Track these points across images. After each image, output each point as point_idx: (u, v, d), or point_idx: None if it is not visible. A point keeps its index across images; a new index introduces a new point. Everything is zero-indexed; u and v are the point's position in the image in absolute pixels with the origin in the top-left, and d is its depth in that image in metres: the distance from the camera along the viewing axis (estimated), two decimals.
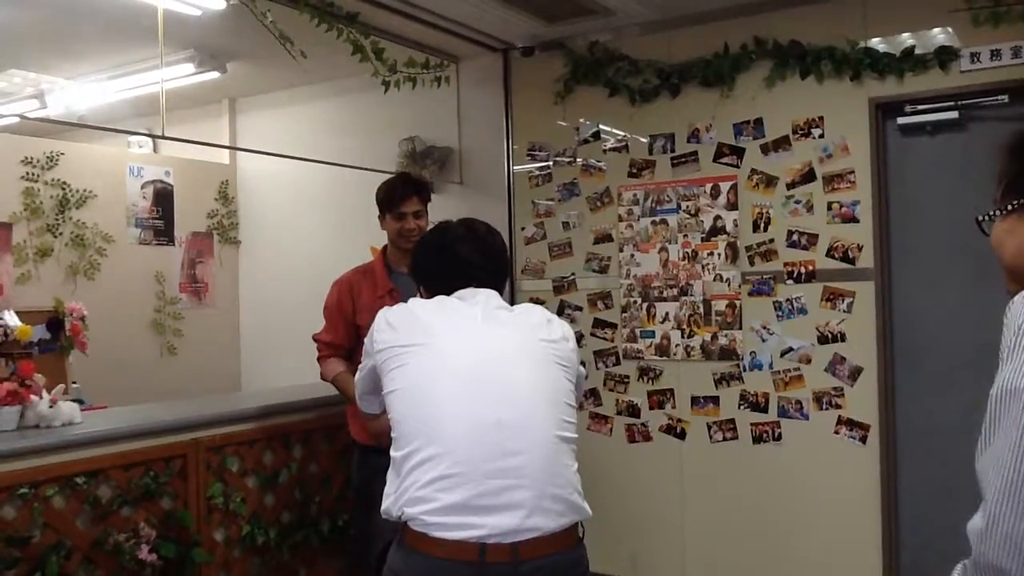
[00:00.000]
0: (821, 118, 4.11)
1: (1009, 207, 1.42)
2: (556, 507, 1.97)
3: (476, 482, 1.91)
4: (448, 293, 2.27)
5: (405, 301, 3.59)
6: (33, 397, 3.02)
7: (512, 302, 4.86)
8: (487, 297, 2.26)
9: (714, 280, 4.36)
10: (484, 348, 2.12)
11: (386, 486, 2.09)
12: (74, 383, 4.04)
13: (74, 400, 3.32)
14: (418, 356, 2.10)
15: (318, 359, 3.55)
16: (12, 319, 3.27)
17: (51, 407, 3.03)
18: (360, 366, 2.39)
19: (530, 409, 2.03)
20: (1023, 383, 1.15)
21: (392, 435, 2.11)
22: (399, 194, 3.53)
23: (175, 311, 5.78)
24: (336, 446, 3.78)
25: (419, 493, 1.94)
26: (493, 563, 1.89)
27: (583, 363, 4.43)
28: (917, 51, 3.89)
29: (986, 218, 1.47)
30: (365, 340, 2.34)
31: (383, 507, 2.07)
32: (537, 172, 4.90)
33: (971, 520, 1.23)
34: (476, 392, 2.02)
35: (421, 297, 2.38)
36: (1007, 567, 1.15)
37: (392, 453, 2.09)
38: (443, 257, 2.34)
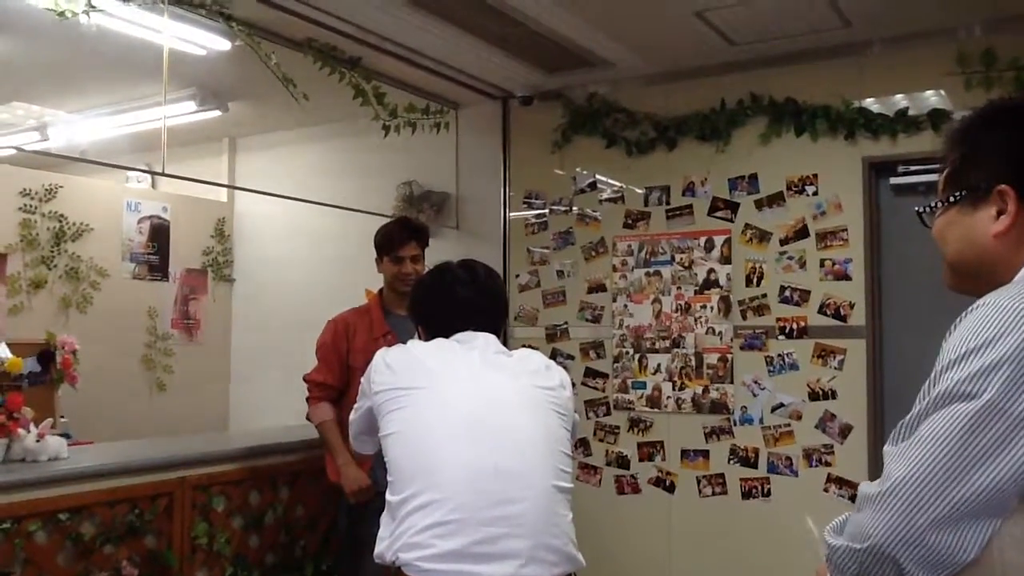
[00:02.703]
0: (815, 175, 4.16)
1: (951, 199, 1.41)
2: (551, 557, 1.97)
3: (473, 529, 1.91)
4: (447, 335, 2.28)
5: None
6: (20, 431, 3.00)
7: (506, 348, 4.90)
8: (485, 342, 2.26)
9: (706, 333, 4.37)
10: (483, 394, 2.12)
11: (380, 529, 2.07)
12: (62, 417, 4.02)
13: (61, 435, 3.30)
14: (417, 400, 2.10)
15: (307, 400, 3.54)
16: (3, 351, 3.26)
17: (38, 441, 3.01)
18: (356, 406, 2.39)
19: (528, 458, 2.03)
20: (971, 388, 1.16)
21: (388, 478, 2.10)
22: (397, 239, 3.55)
23: (166, 347, 5.76)
24: (323, 488, 3.75)
25: (415, 539, 1.93)
26: None
27: (572, 383, 4.44)
28: (911, 112, 3.95)
29: (927, 210, 1.47)
30: (362, 380, 2.35)
31: (377, 551, 2.05)
32: (533, 220, 4.93)
33: (867, 484, 1.25)
34: (475, 438, 2.02)
35: (419, 338, 2.39)
36: (882, 543, 1.18)
37: (388, 497, 2.08)
38: (442, 298, 2.36)
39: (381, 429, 2.16)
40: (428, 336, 2.34)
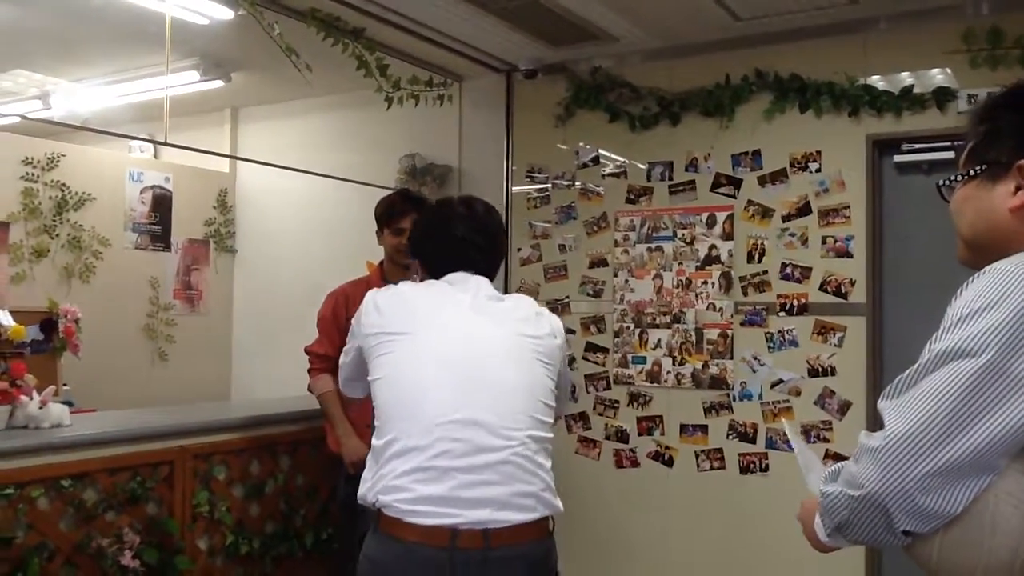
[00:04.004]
0: (819, 152, 4.15)
1: (971, 172, 1.43)
2: (527, 502, 2.02)
3: (450, 476, 1.97)
4: (443, 273, 2.31)
5: None
6: (23, 397, 3.02)
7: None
8: (478, 285, 2.28)
9: (707, 309, 4.38)
10: (469, 341, 2.14)
11: (364, 471, 2.13)
12: (65, 385, 4.04)
13: (64, 402, 3.32)
14: (403, 346, 2.13)
15: (309, 371, 3.56)
16: (5, 319, 3.27)
17: (41, 408, 3.03)
18: (345, 349, 2.41)
19: (508, 408, 2.06)
20: (972, 347, 1.19)
21: (375, 423, 2.14)
22: (398, 210, 3.56)
23: (168, 317, 5.78)
24: (323, 458, 3.78)
25: (395, 482, 1.99)
26: (463, 548, 1.94)
27: (572, 359, 4.43)
28: (915, 90, 3.93)
29: (947, 183, 1.49)
30: (352, 322, 2.36)
31: (360, 492, 2.11)
32: (535, 194, 4.92)
33: (867, 436, 1.28)
34: (457, 387, 2.05)
35: (418, 277, 2.42)
36: (875, 493, 1.22)
37: (373, 441, 2.13)
38: (439, 235, 2.38)
39: (370, 373, 2.19)
40: (427, 273, 2.36)
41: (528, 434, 2.07)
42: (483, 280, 2.32)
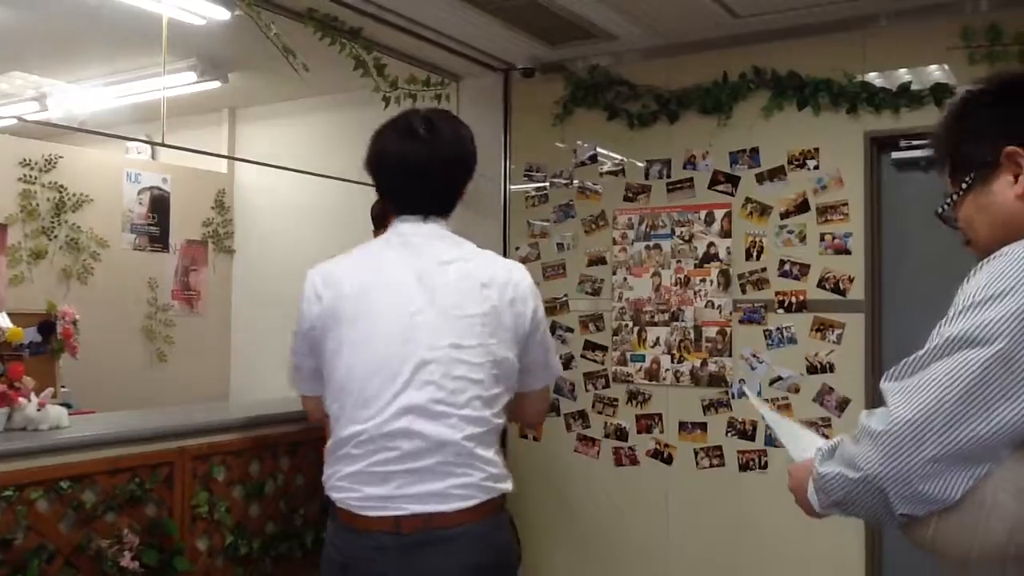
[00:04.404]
0: (816, 150, 4.15)
1: (963, 186, 1.42)
2: (468, 492, 2.00)
3: (393, 479, 1.97)
4: (395, 209, 2.19)
5: None
6: (21, 400, 3.01)
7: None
8: (429, 239, 2.12)
9: (705, 307, 4.38)
10: (410, 332, 2.00)
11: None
12: (63, 387, 4.04)
13: (62, 404, 3.31)
14: (345, 343, 2.04)
15: None
16: (4, 321, 3.27)
17: (39, 410, 3.02)
18: (293, 348, 2.22)
19: (446, 407, 1.98)
20: (983, 335, 1.19)
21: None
22: None
23: (167, 318, 5.78)
24: (322, 459, 3.77)
25: (341, 483, 2.04)
26: (407, 532, 1.97)
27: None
28: (913, 87, 3.93)
29: (946, 208, 1.47)
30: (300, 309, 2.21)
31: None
32: (533, 192, 4.92)
33: (869, 418, 1.28)
34: (395, 388, 1.98)
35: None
36: (874, 476, 1.24)
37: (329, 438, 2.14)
38: (378, 159, 2.21)
39: (322, 366, 2.11)
40: (389, 206, 2.23)
41: (466, 434, 1.99)
42: (434, 229, 2.15)
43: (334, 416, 2.08)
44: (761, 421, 4.25)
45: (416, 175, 2.15)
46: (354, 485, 2.01)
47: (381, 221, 3.58)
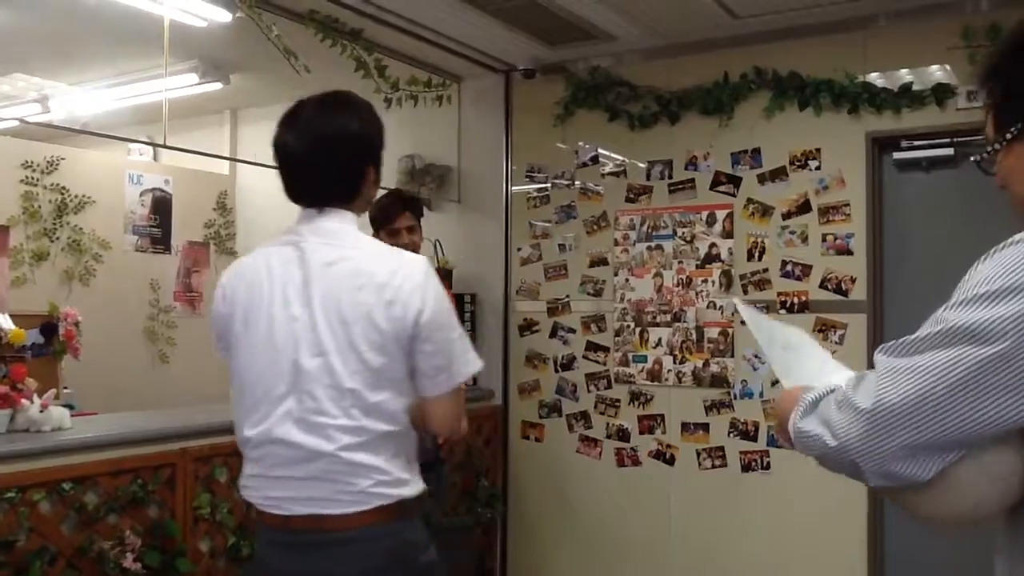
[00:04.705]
0: (818, 150, 4.15)
1: (1009, 135, 1.34)
2: (359, 497, 1.94)
3: (283, 484, 1.97)
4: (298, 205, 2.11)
5: None
6: (24, 401, 3.02)
7: (505, 323, 4.91)
8: (320, 237, 2.03)
9: (707, 307, 4.38)
10: (290, 339, 1.95)
11: None
12: (65, 388, 4.04)
13: (65, 405, 3.32)
14: (240, 347, 2.05)
15: None
16: (6, 322, 3.28)
17: (42, 412, 3.03)
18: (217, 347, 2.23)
19: (321, 417, 1.93)
20: (987, 333, 1.15)
21: None
22: (392, 210, 3.57)
23: (169, 319, 5.78)
24: None
25: (247, 482, 2.05)
26: (299, 531, 1.97)
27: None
28: (915, 87, 3.93)
29: (984, 157, 1.40)
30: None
31: None
32: (535, 193, 4.92)
33: (855, 391, 1.26)
34: (276, 395, 1.96)
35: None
36: (851, 449, 1.24)
37: None
38: (274, 155, 2.16)
39: None
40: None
41: (341, 444, 1.91)
42: (328, 223, 2.04)
43: (237, 416, 2.08)
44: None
45: (297, 164, 2.10)
46: (255, 485, 2.02)
47: (380, 224, 3.58)
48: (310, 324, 1.95)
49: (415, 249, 3.66)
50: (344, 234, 2.03)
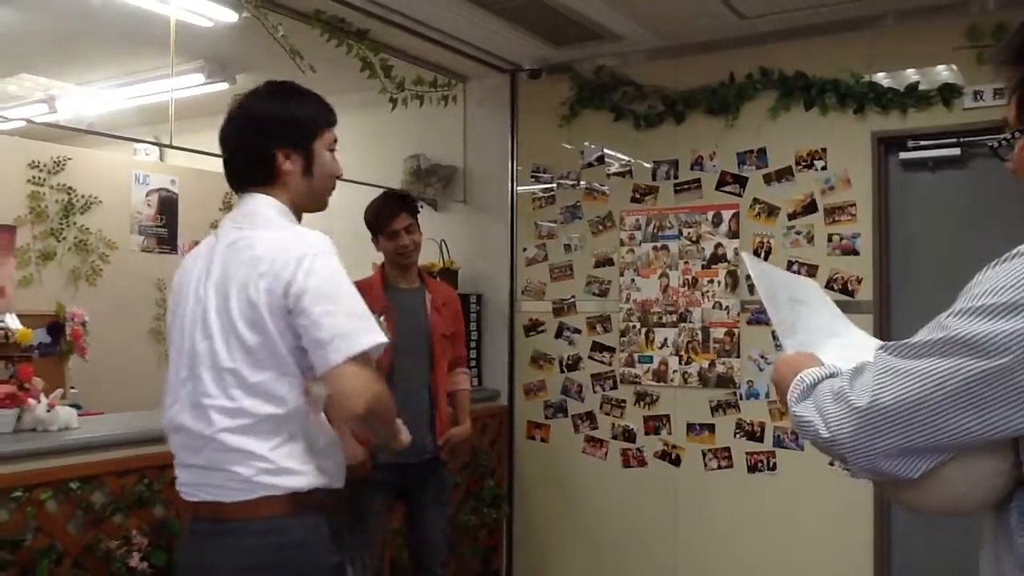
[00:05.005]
0: (824, 150, 4.14)
1: None
2: (245, 486, 1.92)
3: (188, 470, 2.00)
4: None
5: (403, 320, 3.59)
6: (31, 401, 3.03)
7: (511, 323, 4.91)
8: (235, 219, 2.08)
9: (713, 308, 4.37)
10: (196, 323, 1.98)
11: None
12: (72, 388, 4.04)
13: (71, 405, 3.32)
14: (171, 329, 2.10)
15: None
16: (13, 322, 3.29)
17: (48, 411, 3.04)
18: None
19: (206, 399, 1.93)
20: (990, 348, 1.14)
21: None
22: (387, 213, 3.55)
23: None
24: None
25: (176, 469, 2.07)
26: (202, 519, 1.99)
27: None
28: (921, 87, 3.92)
29: (1003, 143, 1.39)
30: None
31: None
32: (541, 193, 4.92)
33: (852, 387, 1.26)
34: (180, 380, 2.00)
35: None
36: (842, 443, 1.25)
37: None
38: None
39: None
40: None
41: (223, 427, 1.91)
42: (246, 206, 2.08)
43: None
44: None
45: (224, 148, 2.13)
46: (176, 472, 2.04)
47: (377, 227, 3.57)
48: (205, 306, 1.97)
49: (417, 248, 3.65)
50: (255, 216, 2.04)
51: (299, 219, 2.15)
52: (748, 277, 4.01)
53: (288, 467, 1.92)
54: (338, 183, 4.69)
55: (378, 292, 3.54)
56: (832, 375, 1.35)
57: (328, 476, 2.00)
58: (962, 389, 1.16)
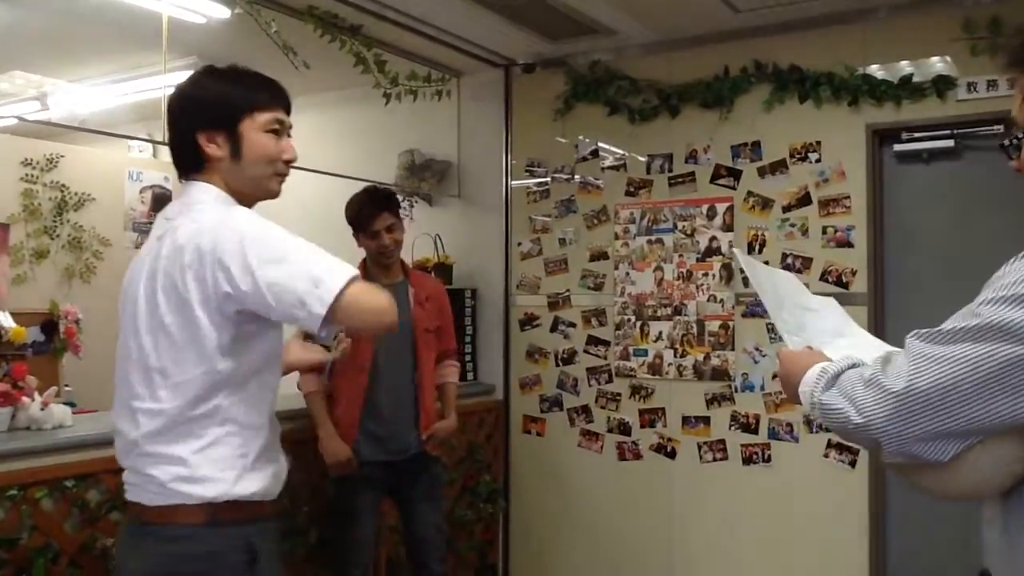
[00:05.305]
0: (818, 142, 4.14)
1: None
2: (161, 489, 1.88)
3: (124, 473, 1.98)
4: None
5: None
6: (25, 399, 3.02)
7: (506, 318, 4.91)
8: (170, 209, 2.02)
9: (708, 300, 4.38)
10: (129, 322, 1.94)
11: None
12: (66, 386, 4.03)
13: (66, 403, 3.32)
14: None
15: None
16: (7, 320, 3.27)
17: (43, 409, 3.03)
18: None
19: (134, 400, 1.89)
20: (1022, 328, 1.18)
21: None
22: (368, 213, 3.53)
23: None
24: (321, 457, 3.77)
25: None
26: (133, 517, 1.97)
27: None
28: (915, 79, 3.92)
29: (1012, 142, 1.42)
30: None
31: None
32: (535, 188, 4.92)
33: (883, 373, 1.28)
34: (118, 380, 1.98)
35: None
36: (876, 427, 1.27)
37: None
38: None
39: None
40: None
41: (146, 430, 1.86)
42: (183, 194, 2.03)
43: None
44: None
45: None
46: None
47: (357, 227, 3.56)
48: (136, 306, 1.91)
49: (399, 246, 3.63)
50: (187, 204, 1.96)
51: (250, 207, 2.07)
52: (742, 271, 4.01)
53: (207, 475, 1.85)
54: (331, 179, 4.69)
55: None
56: (854, 365, 1.38)
57: (257, 485, 1.92)
58: (996, 373, 1.20)
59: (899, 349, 1.36)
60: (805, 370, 1.44)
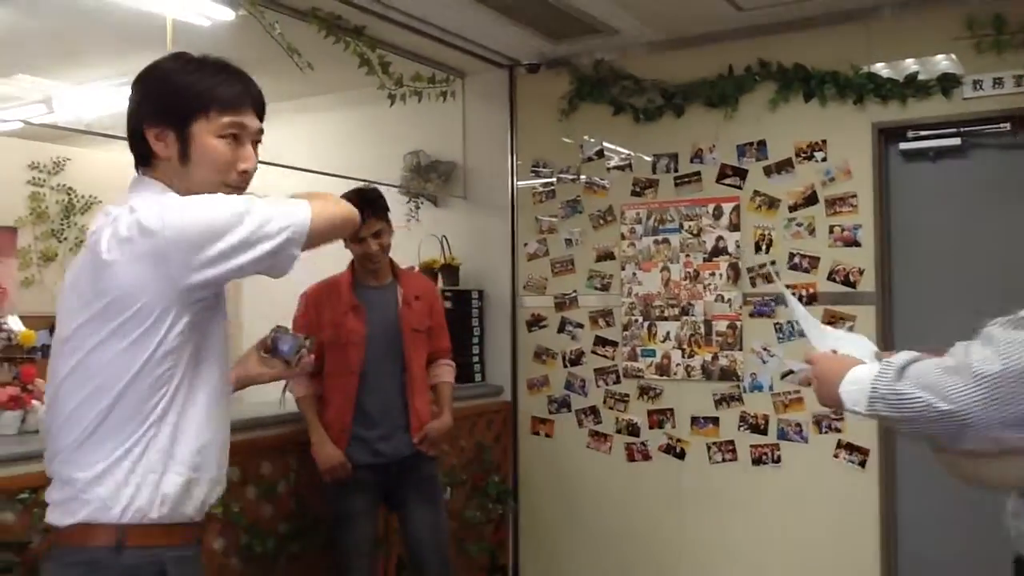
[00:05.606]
0: (824, 141, 4.13)
1: None
2: (68, 508, 1.73)
3: None
4: None
5: (372, 318, 3.55)
6: (35, 402, 3.03)
7: (513, 319, 4.91)
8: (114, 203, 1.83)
9: (715, 300, 4.37)
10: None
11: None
12: None
13: None
14: None
15: None
16: (16, 324, 3.28)
17: None
18: None
19: (54, 408, 1.76)
20: None
21: None
22: None
23: None
24: None
25: None
26: (50, 543, 1.84)
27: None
28: (920, 77, 3.92)
29: None
30: None
31: None
32: (541, 188, 4.92)
33: (971, 359, 1.31)
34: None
35: None
36: (966, 412, 1.28)
37: None
38: None
39: None
40: None
41: (59, 446, 1.74)
42: (131, 187, 1.90)
43: None
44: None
45: None
46: None
47: None
48: (60, 315, 1.75)
49: (385, 251, 3.56)
50: (129, 197, 1.84)
51: None
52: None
53: (107, 495, 1.68)
54: (336, 180, 4.68)
55: (347, 291, 3.52)
56: (917, 359, 1.39)
57: (166, 508, 1.74)
58: None
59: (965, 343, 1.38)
60: (844, 371, 1.45)
